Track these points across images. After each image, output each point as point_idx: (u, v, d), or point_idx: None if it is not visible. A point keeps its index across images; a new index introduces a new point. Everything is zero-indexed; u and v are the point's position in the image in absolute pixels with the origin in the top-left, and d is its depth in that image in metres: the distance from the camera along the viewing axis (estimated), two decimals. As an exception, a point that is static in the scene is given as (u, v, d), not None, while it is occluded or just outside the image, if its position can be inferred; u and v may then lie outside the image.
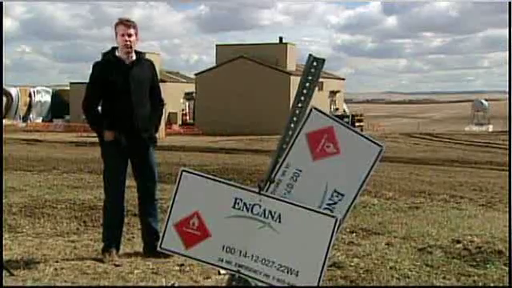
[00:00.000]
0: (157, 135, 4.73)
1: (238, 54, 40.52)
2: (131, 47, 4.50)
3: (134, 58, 4.56)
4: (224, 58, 41.08)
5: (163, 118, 5.17)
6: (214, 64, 42.74)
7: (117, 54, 4.54)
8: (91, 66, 4.57)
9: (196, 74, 43.43)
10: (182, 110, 46.58)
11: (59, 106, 47.73)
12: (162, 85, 4.96)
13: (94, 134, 4.64)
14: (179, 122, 44.91)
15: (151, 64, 4.70)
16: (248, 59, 40.19)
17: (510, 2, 3.60)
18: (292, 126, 2.92)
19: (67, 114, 45.18)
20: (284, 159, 2.87)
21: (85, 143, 25.08)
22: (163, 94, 4.88)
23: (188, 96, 47.03)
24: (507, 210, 7.09)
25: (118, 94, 4.44)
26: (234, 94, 39.79)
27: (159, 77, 5.08)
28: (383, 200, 7.88)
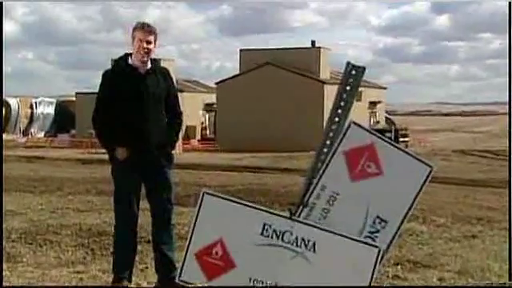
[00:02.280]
0: (174, 152, 4.77)
1: (264, 59, 40.72)
2: (149, 55, 4.57)
3: (150, 66, 4.63)
4: (249, 64, 41.30)
5: (180, 132, 5.22)
6: (238, 71, 43.03)
7: (130, 61, 4.61)
8: (101, 75, 4.64)
9: (217, 83, 43.77)
10: (202, 124, 46.87)
11: (64, 118, 48.43)
12: (178, 95, 5.02)
13: (103, 151, 4.71)
14: (198, 136, 45.19)
15: (167, 73, 4.76)
16: (276, 66, 40.32)
17: (510, 2, 3.68)
18: (327, 142, 2.93)
19: (73, 127, 45.82)
20: (319, 180, 2.89)
21: (92, 161, 25.38)
22: (181, 106, 4.93)
23: (208, 107, 47.33)
24: None
25: (131, 106, 4.51)
26: (259, 105, 39.85)
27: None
28: (433, 227, 7.79)
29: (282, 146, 36.06)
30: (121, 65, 4.61)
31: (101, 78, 4.63)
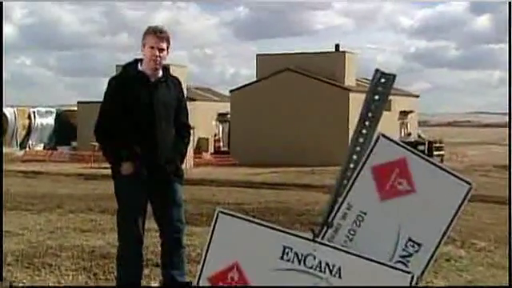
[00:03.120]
0: (183, 167, 4.82)
1: (283, 65, 40.75)
2: (160, 63, 4.61)
3: (161, 74, 4.67)
4: (267, 70, 41.35)
5: (191, 145, 5.26)
6: (254, 78, 43.10)
7: (140, 67, 4.65)
8: (105, 82, 4.68)
9: (231, 91, 43.86)
10: (215, 135, 46.98)
11: (64, 130, 48.78)
12: (189, 104, 5.07)
13: (107, 165, 4.75)
14: (211, 149, 45.28)
15: (178, 82, 4.81)
16: (296, 72, 40.36)
17: (509, 2, 3.77)
18: (354, 157, 2.94)
19: (74, 139, 46.19)
20: (344, 198, 2.89)
21: (95, 176, 25.52)
22: (191, 116, 5.01)
23: (222, 118, 47.46)
24: None
25: (139, 117, 4.54)
26: (278, 114, 39.86)
27: (186, 94, 5.19)
28: (473, 252, 7.71)
29: (303, 160, 35.93)
30: (130, 72, 4.64)
31: (107, 85, 4.67)
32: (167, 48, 4.63)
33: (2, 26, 4.69)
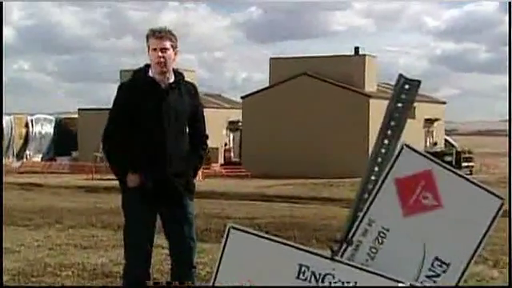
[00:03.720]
0: (195, 180, 4.85)
1: (299, 69, 40.77)
2: (166, 65, 4.61)
3: (173, 79, 4.69)
4: (281, 75, 41.38)
5: None
6: (267, 83, 43.16)
7: (150, 73, 4.68)
8: (108, 88, 4.81)
9: (243, 97, 43.97)
10: (225, 145, 47.07)
11: (64, 139, 48.96)
12: None
13: (110, 176, 4.79)
14: (221, 160, 45.34)
15: (194, 89, 4.84)
16: (313, 77, 40.37)
17: (509, 2, 3.83)
18: (375, 168, 2.94)
19: (75, 149, 46.37)
20: (365, 213, 2.89)
21: (98, 188, 25.61)
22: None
23: (232, 126, 47.54)
24: None
25: (149, 125, 4.58)
26: (293, 123, 39.84)
27: None
28: (507, 272, 7.64)
29: (320, 172, 35.85)
30: (139, 78, 4.69)
31: (116, 91, 4.73)
32: (173, 48, 4.63)
33: (2, 27, 4.74)
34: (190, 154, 4.74)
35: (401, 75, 2.91)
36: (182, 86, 4.72)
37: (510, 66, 4.20)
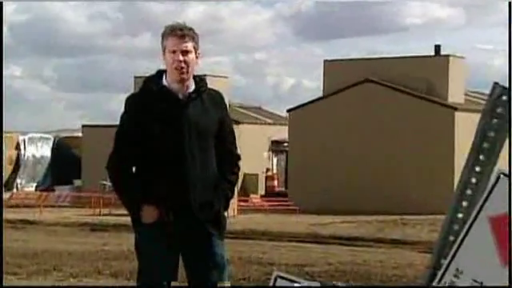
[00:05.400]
0: (226, 214, 4.90)
1: (362, 75, 40.52)
2: (188, 72, 4.66)
3: (193, 88, 4.72)
4: (338, 81, 41.24)
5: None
6: (321, 92, 43.16)
7: (165, 81, 4.72)
8: (121, 100, 4.89)
9: (290, 110, 43.98)
10: (267, 171, 47.17)
11: (65, 163, 49.29)
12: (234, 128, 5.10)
13: (122, 212, 4.83)
14: (261, 190, 45.40)
15: (220, 97, 4.87)
16: (379, 84, 40.03)
17: (510, 2, 4.01)
18: (464, 203, 2.93)
19: (77, 177, 46.77)
20: (451, 261, 2.87)
21: (106, 226, 25.84)
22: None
23: (276, 147, 47.68)
24: None
25: (165, 145, 4.62)
26: (354, 143, 39.58)
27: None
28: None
29: (389, 206, 35.52)
30: (152, 87, 4.75)
31: (123, 104, 4.77)
32: (195, 50, 4.68)
33: (2, 27, 4.86)
34: (219, 179, 4.76)
35: (496, 83, 2.89)
36: (205, 96, 4.75)
37: (510, 67, 4.37)
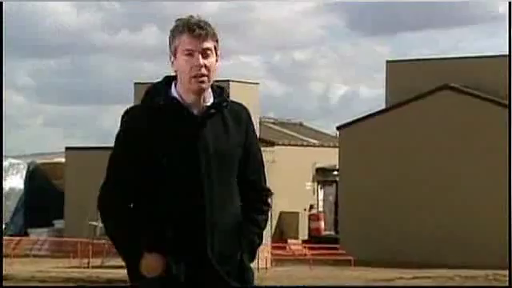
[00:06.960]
0: (253, 265, 4.85)
1: (438, 80, 39.81)
2: (209, 80, 4.61)
3: (211, 101, 4.68)
4: (404, 88, 40.71)
5: (268, 226, 5.28)
6: (383, 103, 42.85)
7: (174, 92, 4.67)
8: (118, 115, 4.73)
9: (340, 128, 43.84)
10: (310, 208, 47.20)
11: (42, 198, 49.35)
12: (264, 151, 5.04)
13: (119, 262, 4.77)
14: (303, 233, 45.32)
15: (246, 112, 4.84)
16: (461, 91, 39.29)
17: (510, 2, 3.89)
18: None
19: (58, 216, 46.80)
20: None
21: (96, 281, 25.95)
22: (268, 175, 5.00)
23: (323, 176, 47.68)
24: None
25: (173, 176, 4.61)
26: (428, 170, 38.86)
27: (258, 135, 5.23)
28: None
29: (470, 257, 34.94)
30: (157, 98, 4.69)
31: (120, 121, 4.74)
32: (215, 51, 4.64)
33: (2, 27, 4.80)
34: (244, 221, 4.76)
35: None
36: (227, 111, 4.71)
37: (510, 67, 4.30)
